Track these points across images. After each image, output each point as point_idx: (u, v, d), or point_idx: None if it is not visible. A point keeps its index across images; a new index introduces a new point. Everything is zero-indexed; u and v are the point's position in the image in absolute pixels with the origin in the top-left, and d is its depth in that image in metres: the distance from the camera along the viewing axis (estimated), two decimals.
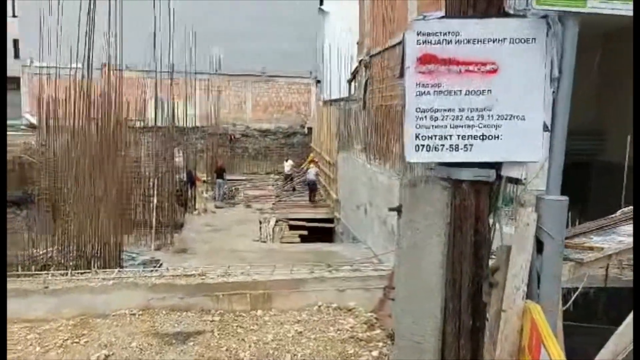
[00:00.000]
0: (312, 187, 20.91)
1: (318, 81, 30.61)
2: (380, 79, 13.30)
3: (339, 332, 5.86)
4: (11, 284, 6.62)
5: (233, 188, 23.42)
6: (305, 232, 17.16)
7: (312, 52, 28.91)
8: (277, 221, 17.80)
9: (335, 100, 19.61)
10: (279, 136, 30.16)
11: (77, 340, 5.89)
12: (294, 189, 22.29)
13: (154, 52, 14.05)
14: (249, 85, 30.35)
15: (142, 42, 13.73)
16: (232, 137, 28.97)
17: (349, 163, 16.36)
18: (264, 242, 15.43)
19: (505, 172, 2.84)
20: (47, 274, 7.06)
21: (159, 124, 15.37)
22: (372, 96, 14.27)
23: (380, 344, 5.58)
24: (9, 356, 5.50)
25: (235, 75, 29.11)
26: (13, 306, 6.33)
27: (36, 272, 7.30)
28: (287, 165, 24.32)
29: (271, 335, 5.82)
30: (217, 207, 19.88)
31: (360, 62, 16.85)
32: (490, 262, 2.99)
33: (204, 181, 21.93)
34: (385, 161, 12.06)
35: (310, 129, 29.17)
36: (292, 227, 17.58)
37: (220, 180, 21.45)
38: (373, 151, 13.32)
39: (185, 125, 19.20)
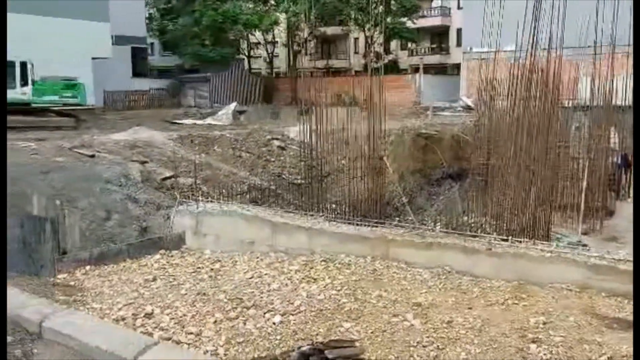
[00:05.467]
0: None
1: None
2: None
3: None
4: (461, 241, 7.77)
5: None
6: None
7: None
8: None
9: None
10: None
11: (516, 302, 6.43)
12: None
13: (596, 27, 13.19)
14: None
15: (579, 18, 13.17)
16: None
17: None
18: None
19: None
20: (491, 237, 7.91)
21: (593, 102, 14.52)
22: None
23: None
24: (452, 305, 6.49)
25: None
26: (465, 262, 7.42)
27: (482, 234, 8.23)
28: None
29: None
30: None
31: None
32: None
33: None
34: None
35: None
36: None
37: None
38: None
39: (623, 103, 17.38)
